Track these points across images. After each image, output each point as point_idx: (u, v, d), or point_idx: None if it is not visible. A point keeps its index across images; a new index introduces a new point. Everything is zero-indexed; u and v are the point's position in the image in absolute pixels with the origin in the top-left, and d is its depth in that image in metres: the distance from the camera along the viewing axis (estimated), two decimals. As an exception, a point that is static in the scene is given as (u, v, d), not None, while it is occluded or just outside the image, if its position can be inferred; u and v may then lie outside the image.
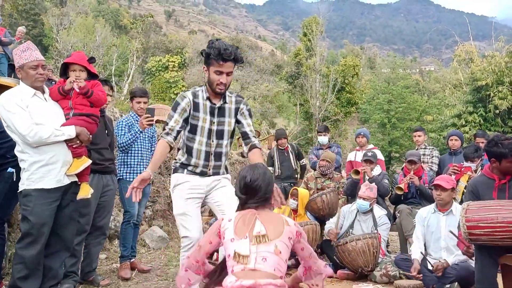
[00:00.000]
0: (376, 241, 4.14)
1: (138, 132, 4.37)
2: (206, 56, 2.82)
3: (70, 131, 3.10)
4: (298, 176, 6.81)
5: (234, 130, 3.08)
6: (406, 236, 4.92)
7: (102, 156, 3.88)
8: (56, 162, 3.06)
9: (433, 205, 4.17)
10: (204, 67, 2.92)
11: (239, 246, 2.01)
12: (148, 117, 4.32)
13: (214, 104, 2.94)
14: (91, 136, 3.28)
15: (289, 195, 5.14)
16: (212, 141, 2.96)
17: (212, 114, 2.94)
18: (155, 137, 4.87)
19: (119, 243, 4.71)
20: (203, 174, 2.99)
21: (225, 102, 2.98)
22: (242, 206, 2.17)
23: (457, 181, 4.88)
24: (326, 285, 4.06)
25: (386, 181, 5.44)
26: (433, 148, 6.04)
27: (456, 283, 3.61)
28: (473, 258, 3.45)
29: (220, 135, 2.98)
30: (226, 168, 3.12)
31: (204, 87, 2.96)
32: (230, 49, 2.75)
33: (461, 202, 4.63)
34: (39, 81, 3.07)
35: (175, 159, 3.08)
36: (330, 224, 4.83)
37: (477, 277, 3.08)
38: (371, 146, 6.39)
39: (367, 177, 5.30)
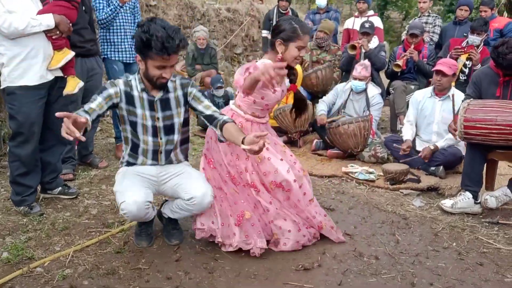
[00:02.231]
0: (367, 124, 4.18)
1: (118, 7, 3.96)
2: (143, 46, 2.15)
3: (49, 20, 2.79)
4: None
5: (188, 118, 2.56)
6: (397, 114, 4.98)
7: (82, 38, 3.57)
8: (36, 56, 2.83)
9: (430, 89, 4.11)
10: (137, 57, 2.26)
11: None
12: (127, -12, 3.87)
13: (153, 96, 2.37)
14: (71, 24, 2.96)
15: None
16: (160, 139, 2.46)
17: (152, 108, 2.39)
18: (137, 7, 4.44)
19: (112, 123, 4.69)
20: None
21: (167, 92, 2.40)
22: None
23: (457, 58, 4.74)
24: (316, 164, 4.26)
25: (383, 53, 5.27)
26: (436, 16, 5.68)
27: (442, 166, 3.79)
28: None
29: (168, 130, 2.46)
30: (185, 156, 2.67)
31: (137, 76, 2.37)
32: (176, 39, 2.13)
33: (457, 80, 4.60)
34: None
35: (121, 160, 2.61)
36: (322, 107, 4.76)
37: (464, 170, 3.21)
38: (371, 12, 5.97)
39: (363, 50, 5.10)
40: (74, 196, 3.24)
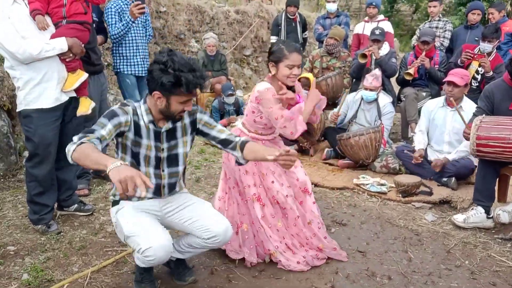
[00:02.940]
0: (379, 135, 4.18)
1: (130, 22, 4.00)
2: (173, 85, 2.01)
3: (62, 44, 2.83)
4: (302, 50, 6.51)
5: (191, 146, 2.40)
6: (408, 121, 4.97)
7: (96, 55, 3.63)
8: (51, 79, 2.87)
9: (442, 99, 4.10)
10: (155, 94, 2.07)
11: None
12: (138, 4, 3.92)
13: (160, 127, 2.22)
14: (83, 46, 3.00)
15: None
16: (163, 171, 2.28)
17: (157, 139, 2.23)
18: (148, 20, 4.49)
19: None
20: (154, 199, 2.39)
21: (175, 122, 2.25)
22: None
23: (469, 64, 4.71)
24: (327, 175, 4.27)
25: (394, 60, 5.23)
26: (447, 21, 5.62)
27: (454, 178, 3.78)
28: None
29: (172, 161, 2.30)
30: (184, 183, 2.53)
31: (145, 106, 2.18)
32: (200, 72, 2.05)
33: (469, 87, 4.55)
34: None
35: (112, 192, 2.34)
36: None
37: (476, 185, 3.20)
38: (381, 17, 5.93)
39: (374, 57, 5.08)
40: (90, 213, 3.30)
